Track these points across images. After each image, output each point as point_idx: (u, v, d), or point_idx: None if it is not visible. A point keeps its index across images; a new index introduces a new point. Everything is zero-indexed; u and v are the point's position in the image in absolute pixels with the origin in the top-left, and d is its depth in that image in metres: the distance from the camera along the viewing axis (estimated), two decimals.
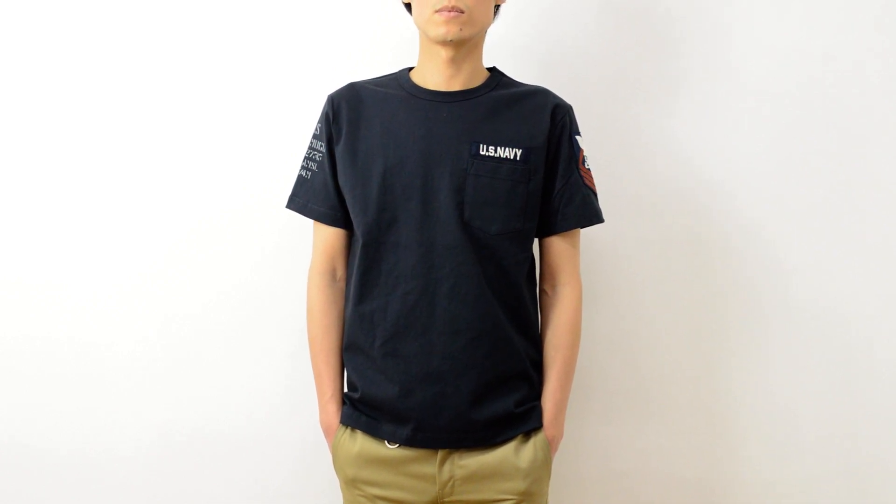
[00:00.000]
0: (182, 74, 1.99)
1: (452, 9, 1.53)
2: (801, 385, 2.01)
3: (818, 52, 1.98)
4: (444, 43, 1.57)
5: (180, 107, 1.99)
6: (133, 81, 1.98)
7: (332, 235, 1.67)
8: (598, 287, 1.98)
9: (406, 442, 1.57)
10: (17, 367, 2.00)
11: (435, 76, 1.63)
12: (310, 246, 1.74)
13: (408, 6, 1.66)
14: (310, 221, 1.71)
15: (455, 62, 1.61)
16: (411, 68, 1.69)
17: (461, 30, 1.55)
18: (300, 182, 1.69)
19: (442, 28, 1.55)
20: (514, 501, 1.58)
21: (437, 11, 1.54)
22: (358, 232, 1.61)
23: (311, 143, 1.68)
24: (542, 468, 1.60)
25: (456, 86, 1.63)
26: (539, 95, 1.66)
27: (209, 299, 1.99)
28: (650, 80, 1.99)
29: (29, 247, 1.99)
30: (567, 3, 1.98)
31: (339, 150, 1.63)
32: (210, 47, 1.99)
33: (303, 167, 1.69)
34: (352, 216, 1.62)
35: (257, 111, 1.99)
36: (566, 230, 1.65)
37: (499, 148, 1.59)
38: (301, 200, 1.68)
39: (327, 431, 1.65)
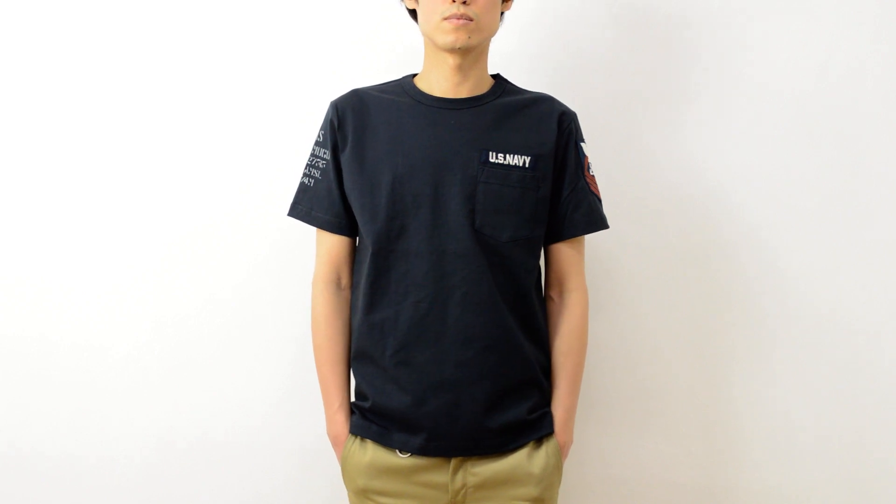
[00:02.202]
0: (180, 79, 1.98)
1: (461, 16, 1.52)
2: (802, 390, 2.01)
3: (820, 60, 1.98)
4: (452, 50, 1.56)
5: (178, 111, 1.98)
6: (132, 85, 1.98)
7: (336, 243, 1.65)
8: (598, 294, 1.97)
9: (418, 451, 1.55)
10: (15, 370, 1.99)
11: (442, 83, 1.61)
12: (307, 252, 1.73)
13: (412, 12, 1.65)
14: (309, 228, 1.70)
15: (462, 69, 1.60)
16: (414, 75, 1.68)
17: (469, 37, 1.54)
18: (303, 189, 1.66)
19: (450, 36, 1.53)
20: None
21: (445, 19, 1.53)
22: (368, 240, 1.58)
23: (314, 150, 1.66)
24: (553, 474, 1.60)
25: (463, 93, 1.61)
26: (545, 102, 1.66)
27: (207, 304, 1.99)
28: (658, 89, 1.99)
29: (27, 250, 1.99)
30: (578, 14, 1.98)
31: (346, 158, 1.60)
32: (208, 53, 1.98)
33: (305, 174, 1.66)
34: (360, 224, 1.60)
35: (255, 116, 1.98)
36: (574, 236, 1.66)
37: (507, 155, 1.58)
38: (304, 208, 1.65)
39: (336, 442, 1.62)
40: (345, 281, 1.66)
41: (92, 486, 2.00)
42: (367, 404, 1.59)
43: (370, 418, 1.59)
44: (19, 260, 1.98)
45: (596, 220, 1.67)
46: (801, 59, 1.98)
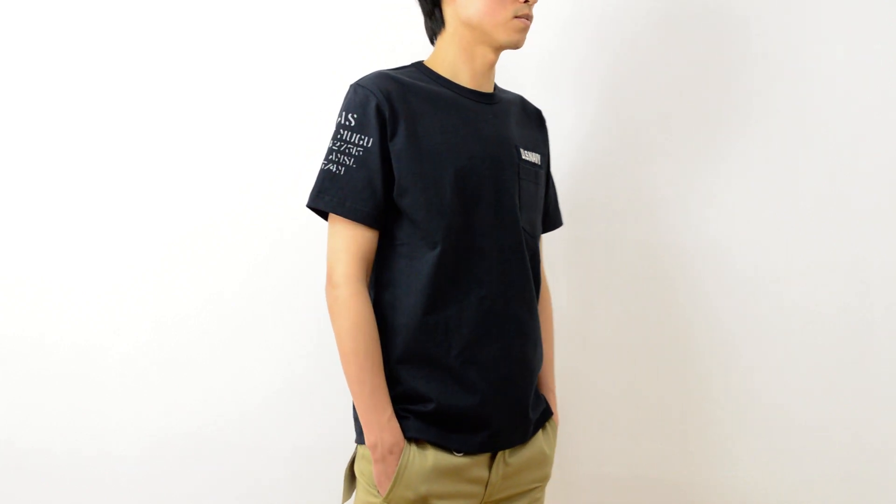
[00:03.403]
0: (180, 79, 1.98)
1: (529, 17, 1.52)
2: (795, 389, 2.01)
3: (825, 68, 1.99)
4: (502, 48, 1.54)
5: (178, 111, 1.98)
6: (132, 85, 1.98)
7: (370, 238, 1.48)
8: (593, 292, 1.97)
9: (478, 449, 1.49)
10: (14, 370, 1.99)
11: (476, 77, 1.56)
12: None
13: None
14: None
15: (494, 67, 1.59)
16: (421, 62, 1.59)
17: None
18: (329, 178, 1.47)
19: (518, 35, 1.52)
20: (539, 487, 1.60)
21: (517, 17, 1.51)
22: (436, 237, 1.47)
23: (342, 135, 1.48)
24: (554, 451, 1.64)
25: (489, 88, 1.59)
26: (528, 102, 1.70)
27: (207, 304, 1.98)
28: (657, 88, 2.00)
29: (27, 250, 1.98)
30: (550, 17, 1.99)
31: (399, 147, 1.47)
32: (208, 53, 1.98)
33: (331, 161, 1.48)
34: (422, 220, 1.48)
35: (255, 116, 1.98)
36: (551, 230, 1.75)
37: (530, 153, 1.59)
38: (333, 199, 1.46)
39: (392, 450, 1.46)
40: (369, 278, 1.53)
41: (92, 486, 1.99)
42: (428, 407, 1.48)
43: (429, 421, 1.49)
44: (19, 260, 1.98)
45: (560, 216, 1.77)
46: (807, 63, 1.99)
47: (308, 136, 1.94)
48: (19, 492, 1.99)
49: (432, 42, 1.61)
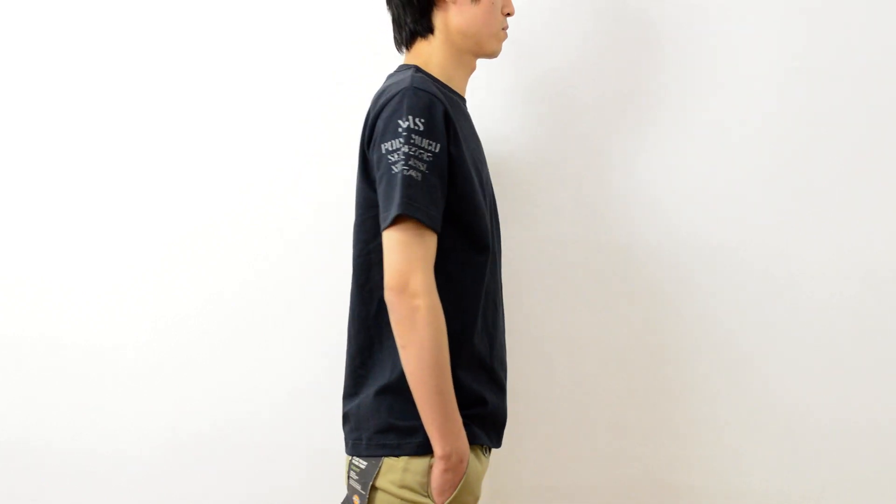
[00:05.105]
0: (180, 79, 1.98)
1: (507, 28, 1.64)
2: (805, 390, 1.99)
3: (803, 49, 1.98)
4: (483, 56, 1.63)
5: (178, 112, 1.98)
6: (133, 86, 1.99)
7: (435, 245, 1.45)
8: (606, 293, 1.97)
9: (499, 444, 1.60)
10: (15, 368, 1.99)
11: (463, 83, 1.63)
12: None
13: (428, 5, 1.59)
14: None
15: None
16: (416, 66, 1.57)
17: None
18: (412, 185, 1.41)
19: (500, 45, 1.62)
20: None
21: (504, 29, 1.62)
22: (485, 241, 1.52)
23: (413, 139, 1.42)
24: None
25: (465, 95, 1.66)
26: None
27: (207, 304, 1.99)
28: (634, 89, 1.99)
29: (27, 250, 1.99)
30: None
31: (457, 154, 1.48)
32: (208, 53, 1.99)
33: (409, 166, 1.41)
34: (475, 225, 1.51)
35: (255, 116, 1.98)
36: None
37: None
38: (420, 207, 1.41)
39: (462, 459, 1.45)
40: None
41: (93, 485, 2.00)
42: (485, 409, 1.53)
43: (482, 424, 1.53)
44: (19, 260, 1.98)
45: None
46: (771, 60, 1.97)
47: (308, 136, 1.94)
48: (20, 491, 2.00)
49: (406, 44, 1.62)
